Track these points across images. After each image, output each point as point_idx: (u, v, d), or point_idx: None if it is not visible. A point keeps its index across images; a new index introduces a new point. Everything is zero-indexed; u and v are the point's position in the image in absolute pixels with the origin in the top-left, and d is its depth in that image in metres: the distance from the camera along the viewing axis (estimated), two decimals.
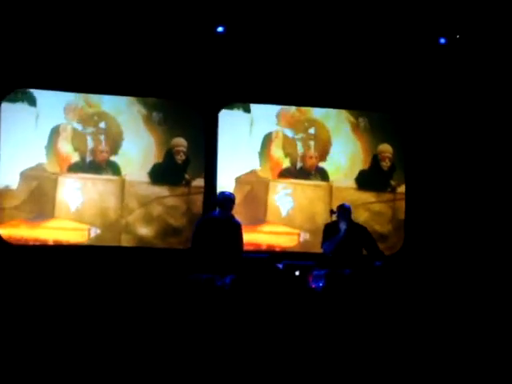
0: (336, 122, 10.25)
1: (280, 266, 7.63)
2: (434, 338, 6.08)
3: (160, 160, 9.74)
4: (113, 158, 9.63)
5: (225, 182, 9.79)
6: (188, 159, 9.78)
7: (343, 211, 8.24)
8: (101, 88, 9.58)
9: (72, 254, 9.26)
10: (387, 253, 8.98)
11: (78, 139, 9.55)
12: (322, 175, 10.13)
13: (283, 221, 9.97)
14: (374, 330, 6.19)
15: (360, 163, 10.21)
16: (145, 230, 9.60)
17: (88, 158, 9.56)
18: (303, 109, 10.16)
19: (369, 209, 10.12)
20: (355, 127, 10.25)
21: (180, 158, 9.75)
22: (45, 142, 9.44)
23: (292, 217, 10.02)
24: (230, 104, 9.96)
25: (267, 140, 10.04)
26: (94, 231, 9.46)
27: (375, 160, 10.24)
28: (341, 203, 8.49)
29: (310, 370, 5.40)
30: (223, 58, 9.68)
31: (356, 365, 5.55)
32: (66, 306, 6.38)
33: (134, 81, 9.60)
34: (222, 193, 8.00)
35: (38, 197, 9.32)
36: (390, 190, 10.24)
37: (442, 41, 9.80)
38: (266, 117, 10.07)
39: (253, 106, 10.04)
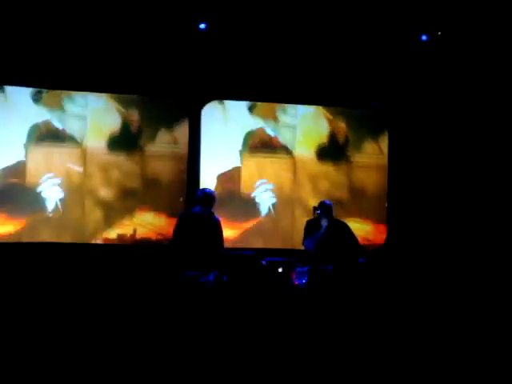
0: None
1: (263, 262, 7.66)
2: (418, 332, 6.12)
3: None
4: None
5: (207, 178, 9.83)
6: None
7: (324, 208, 8.28)
8: (82, 85, 9.56)
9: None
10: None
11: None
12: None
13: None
14: (357, 326, 6.22)
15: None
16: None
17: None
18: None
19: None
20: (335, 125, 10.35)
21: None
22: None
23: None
24: (212, 100, 9.97)
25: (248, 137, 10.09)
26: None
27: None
28: (322, 200, 8.54)
29: (295, 366, 5.42)
30: (206, 54, 9.67)
31: (340, 360, 5.57)
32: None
33: (116, 78, 9.58)
34: (203, 190, 8.02)
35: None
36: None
37: (424, 38, 9.83)
38: (246, 113, 10.10)
39: (234, 103, 10.06)
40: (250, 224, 10.06)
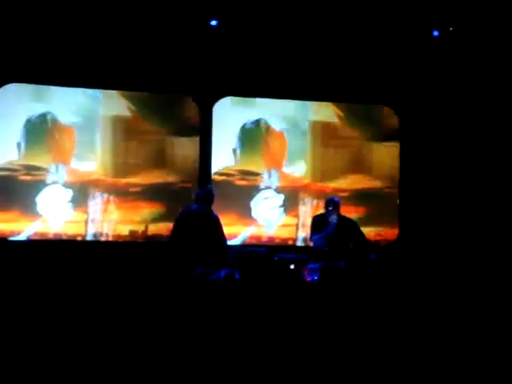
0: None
1: (275, 259, 7.66)
2: (430, 331, 6.10)
3: None
4: None
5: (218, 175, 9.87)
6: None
7: (333, 205, 8.26)
8: (94, 82, 9.56)
9: None
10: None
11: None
12: None
13: None
14: (369, 323, 6.21)
15: None
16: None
17: None
18: None
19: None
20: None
21: None
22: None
23: None
24: (224, 97, 9.96)
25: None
26: None
27: None
28: (330, 197, 8.51)
29: (307, 364, 5.42)
30: (217, 51, 9.67)
31: (352, 358, 5.57)
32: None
33: (128, 75, 9.59)
34: (204, 187, 8.09)
35: None
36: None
37: (436, 33, 9.79)
38: (259, 110, 10.07)
39: (247, 100, 10.04)
40: None
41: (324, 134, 10.27)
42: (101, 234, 9.62)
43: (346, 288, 6.91)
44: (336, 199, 8.38)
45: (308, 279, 7.36)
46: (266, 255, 7.58)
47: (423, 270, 8.01)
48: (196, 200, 7.87)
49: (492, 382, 5.33)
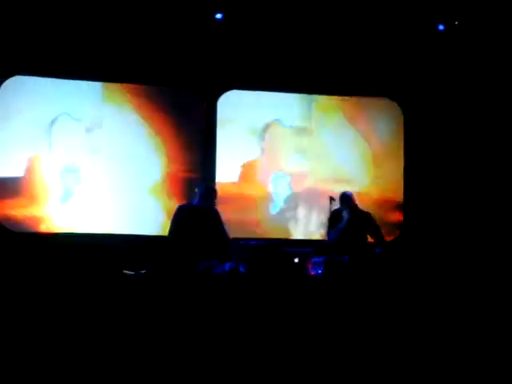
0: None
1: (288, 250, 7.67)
2: (432, 326, 6.11)
3: None
4: None
5: (224, 170, 9.85)
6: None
7: (344, 199, 8.28)
8: (99, 76, 9.57)
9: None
10: None
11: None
12: None
13: None
14: (372, 317, 6.22)
15: None
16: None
17: None
18: None
19: None
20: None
21: None
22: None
23: None
24: (228, 90, 9.95)
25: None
26: None
27: None
28: (342, 191, 8.52)
29: (311, 358, 5.43)
30: (221, 44, 9.67)
31: (355, 352, 5.58)
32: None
33: (131, 68, 9.59)
34: (204, 184, 8.16)
35: None
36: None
37: (441, 27, 9.77)
38: (264, 104, 10.08)
39: (252, 93, 10.04)
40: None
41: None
42: None
43: (350, 282, 6.92)
44: (347, 193, 8.41)
45: (312, 273, 7.37)
46: (274, 248, 7.59)
47: (426, 265, 8.01)
48: (198, 195, 7.88)
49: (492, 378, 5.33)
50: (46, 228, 9.42)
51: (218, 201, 8.03)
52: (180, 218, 7.79)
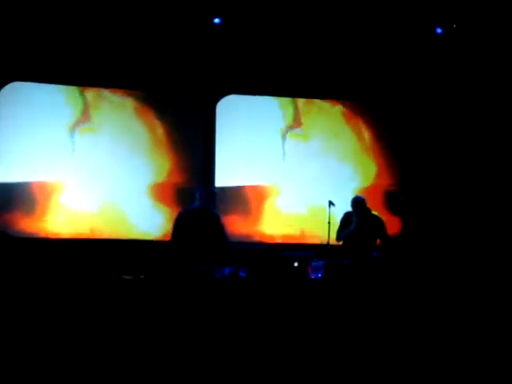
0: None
1: (283, 254, 7.67)
2: (432, 328, 6.11)
3: None
4: None
5: (222, 174, 9.86)
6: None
7: (356, 204, 8.29)
8: (97, 82, 9.58)
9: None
10: None
11: None
12: None
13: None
14: (372, 320, 6.22)
15: None
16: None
17: None
18: None
19: None
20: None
21: None
22: None
23: None
24: (227, 95, 9.96)
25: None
26: None
27: None
28: (355, 196, 8.54)
29: (311, 361, 5.43)
30: (220, 49, 9.68)
31: (355, 355, 5.58)
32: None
33: (130, 74, 9.60)
34: (205, 188, 8.16)
35: None
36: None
37: (439, 31, 9.79)
38: (263, 108, 10.09)
39: (250, 98, 10.05)
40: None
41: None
42: None
43: (350, 285, 6.92)
44: (360, 198, 8.43)
45: (312, 277, 7.37)
46: (269, 253, 7.59)
47: (425, 267, 8.01)
48: (198, 199, 7.88)
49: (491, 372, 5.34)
50: (44, 232, 9.42)
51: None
52: (182, 223, 7.80)
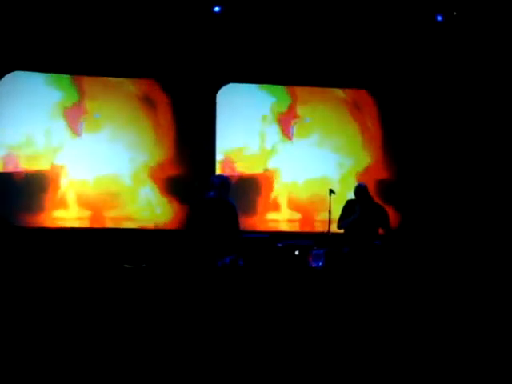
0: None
1: (280, 245, 7.68)
2: (431, 317, 6.12)
3: None
4: None
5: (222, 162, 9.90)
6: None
7: (359, 192, 8.24)
8: (98, 70, 9.58)
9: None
10: None
11: None
12: None
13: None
14: (373, 308, 6.23)
15: None
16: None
17: None
18: None
19: None
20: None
21: None
22: None
23: None
24: (227, 83, 9.95)
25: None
26: None
27: None
28: (357, 183, 8.51)
29: (312, 349, 5.45)
30: (220, 37, 9.66)
31: (356, 344, 5.60)
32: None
33: (131, 62, 9.60)
34: (220, 176, 8.08)
35: None
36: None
37: (439, 18, 9.76)
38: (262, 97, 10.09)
39: (250, 86, 10.05)
40: None
41: None
42: None
43: (350, 273, 6.94)
44: (362, 185, 8.38)
45: (313, 265, 7.39)
46: (270, 242, 7.61)
47: (424, 257, 8.03)
48: (212, 188, 7.83)
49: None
50: (43, 220, 9.45)
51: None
52: (201, 211, 7.75)
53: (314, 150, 10.18)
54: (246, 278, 6.55)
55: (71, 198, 9.55)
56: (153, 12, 9.31)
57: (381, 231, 8.32)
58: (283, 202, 10.05)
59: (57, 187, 9.51)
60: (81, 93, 9.63)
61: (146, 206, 9.74)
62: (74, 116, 9.60)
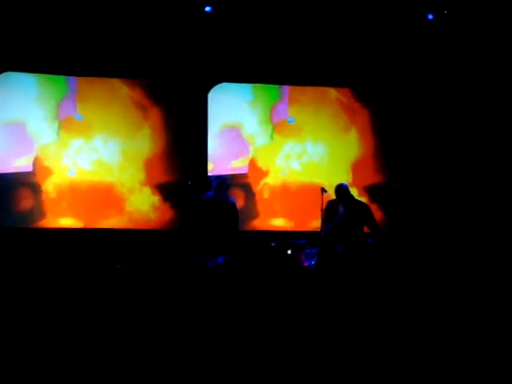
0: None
1: (273, 244, 7.68)
2: (424, 315, 6.13)
3: None
4: None
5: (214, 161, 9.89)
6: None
7: (340, 192, 8.21)
8: (90, 71, 9.57)
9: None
10: None
11: None
12: None
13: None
14: (366, 307, 6.24)
15: None
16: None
17: None
18: None
19: None
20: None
21: None
22: None
23: None
24: (219, 83, 9.95)
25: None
26: None
27: None
28: (338, 183, 8.46)
29: (304, 348, 5.45)
30: (211, 37, 9.65)
31: (348, 342, 5.60)
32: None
33: (123, 62, 9.59)
34: (218, 176, 8.13)
35: None
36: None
37: (430, 17, 9.77)
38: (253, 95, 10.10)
39: (241, 85, 10.06)
40: None
41: None
42: None
43: (343, 272, 6.94)
44: (343, 185, 8.35)
45: (305, 264, 7.39)
46: (263, 240, 7.61)
47: (417, 255, 8.04)
48: (212, 188, 7.85)
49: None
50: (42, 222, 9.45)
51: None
52: (200, 210, 7.76)
53: (306, 149, 10.19)
54: (238, 277, 6.55)
55: (63, 199, 9.54)
56: (144, 12, 9.30)
57: (366, 229, 8.27)
58: (274, 201, 10.06)
59: (49, 188, 9.50)
60: (73, 94, 9.63)
61: (139, 206, 9.73)
62: (66, 117, 9.59)
